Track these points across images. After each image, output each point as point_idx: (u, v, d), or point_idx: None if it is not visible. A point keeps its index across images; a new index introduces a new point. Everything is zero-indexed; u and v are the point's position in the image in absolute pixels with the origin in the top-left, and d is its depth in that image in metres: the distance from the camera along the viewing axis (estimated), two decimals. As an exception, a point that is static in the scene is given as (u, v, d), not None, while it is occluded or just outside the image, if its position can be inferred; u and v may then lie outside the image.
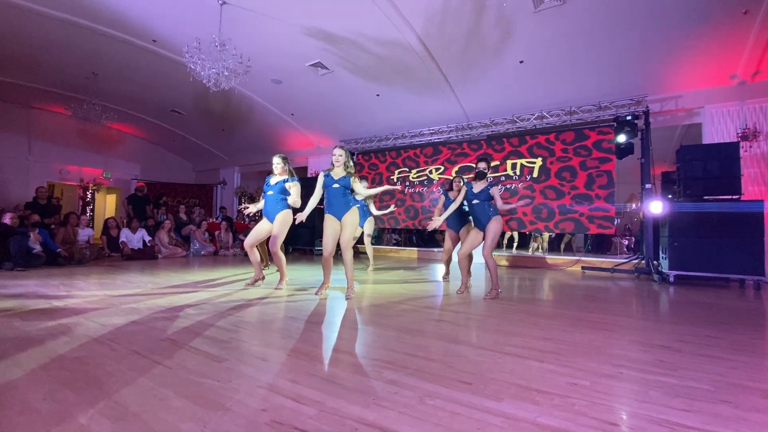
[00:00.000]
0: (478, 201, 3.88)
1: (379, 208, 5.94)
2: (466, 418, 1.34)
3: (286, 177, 4.02)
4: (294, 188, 4.01)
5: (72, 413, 1.32)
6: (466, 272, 4.17)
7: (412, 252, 9.18)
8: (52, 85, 8.65)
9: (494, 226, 3.78)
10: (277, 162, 4.01)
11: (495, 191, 3.86)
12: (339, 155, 3.55)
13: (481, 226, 3.89)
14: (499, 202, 3.82)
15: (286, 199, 4.01)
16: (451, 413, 1.37)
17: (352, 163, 3.64)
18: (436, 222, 4.10)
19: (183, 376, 1.65)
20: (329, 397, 1.47)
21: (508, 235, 9.13)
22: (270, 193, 3.99)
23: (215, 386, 1.55)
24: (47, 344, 2.03)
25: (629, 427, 1.31)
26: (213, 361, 1.83)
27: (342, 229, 3.56)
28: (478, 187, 3.94)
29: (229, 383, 1.59)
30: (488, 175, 4.05)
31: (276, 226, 3.94)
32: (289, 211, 4.02)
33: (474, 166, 7.96)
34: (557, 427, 1.30)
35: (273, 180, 4.04)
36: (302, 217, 3.59)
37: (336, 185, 3.55)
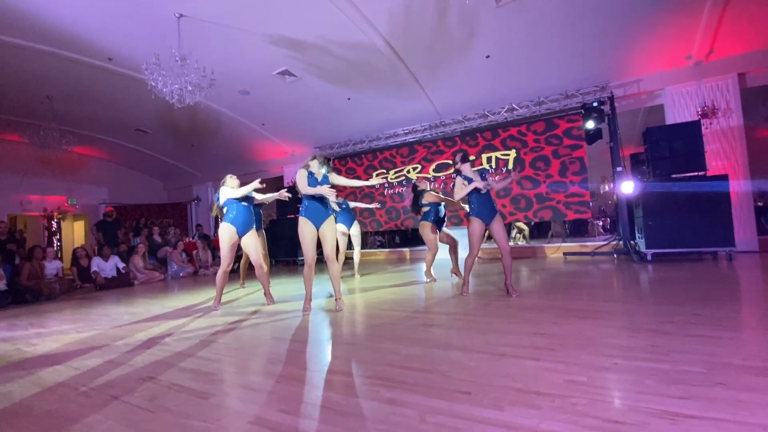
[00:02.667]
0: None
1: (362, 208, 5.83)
2: (468, 433, 1.30)
3: None
4: None
5: (44, 479, 1.20)
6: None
7: (398, 253, 9.15)
8: (2, 112, 8.17)
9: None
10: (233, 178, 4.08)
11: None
12: (317, 167, 3.44)
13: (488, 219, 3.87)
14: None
15: None
16: (453, 429, 1.33)
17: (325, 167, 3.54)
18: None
19: (168, 419, 1.54)
20: (325, 426, 1.41)
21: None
22: (245, 204, 3.95)
23: (203, 427, 1.46)
24: (14, 397, 1.87)
25: (632, 423, 1.30)
26: (198, 398, 1.73)
27: (323, 242, 3.40)
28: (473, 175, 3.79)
29: (218, 422, 1.49)
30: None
31: (260, 240, 3.89)
32: None
33: (451, 161, 8.07)
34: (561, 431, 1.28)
35: None
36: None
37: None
